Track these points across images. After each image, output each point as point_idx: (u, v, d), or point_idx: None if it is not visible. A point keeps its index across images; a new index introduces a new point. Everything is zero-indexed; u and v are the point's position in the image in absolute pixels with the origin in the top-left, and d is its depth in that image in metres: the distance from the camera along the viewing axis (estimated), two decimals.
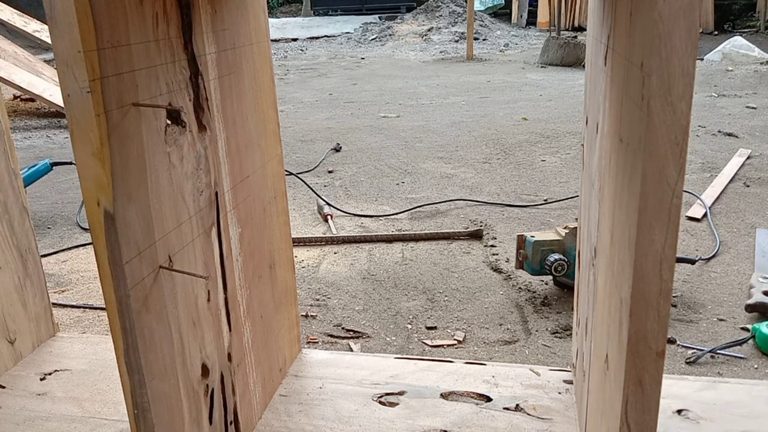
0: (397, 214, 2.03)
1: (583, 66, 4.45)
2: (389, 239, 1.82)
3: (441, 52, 6.60)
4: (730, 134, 2.84)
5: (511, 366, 1.07)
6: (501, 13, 9.52)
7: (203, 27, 0.74)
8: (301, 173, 2.45)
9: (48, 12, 0.53)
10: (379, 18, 9.48)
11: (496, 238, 1.80)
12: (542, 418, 0.93)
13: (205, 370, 0.76)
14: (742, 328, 1.27)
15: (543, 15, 8.04)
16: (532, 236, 1.41)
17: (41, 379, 1.08)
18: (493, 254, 1.70)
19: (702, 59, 4.85)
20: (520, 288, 1.49)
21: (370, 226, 1.94)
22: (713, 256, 1.62)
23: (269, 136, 0.96)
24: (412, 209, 2.05)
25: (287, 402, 0.99)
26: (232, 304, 0.84)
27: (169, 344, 0.68)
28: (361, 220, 2.00)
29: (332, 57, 6.65)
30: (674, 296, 1.40)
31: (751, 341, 1.20)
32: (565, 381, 1.02)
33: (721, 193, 2.09)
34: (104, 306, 0.92)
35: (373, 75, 5.25)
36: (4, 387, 1.06)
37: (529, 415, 0.94)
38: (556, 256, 1.38)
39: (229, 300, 0.83)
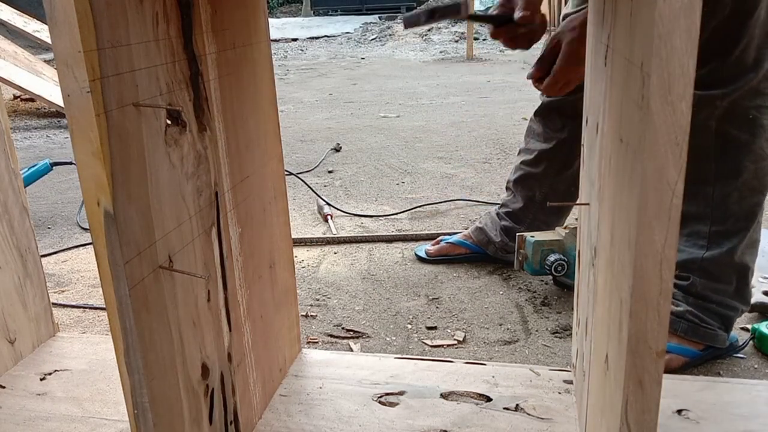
0: (397, 214, 2.03)
1: None
2: (389, 239, 1.82)
3: (441, 52, 6.60)
4: None
5: (511, 366, 1.07)
6: None
7: (203, 27, 0.74)
8: (301, 173, 2.45)
9: (48, 12, 0.53)
10: (379, 18, 9.48)
11: None
12: (542, 418, 0.93)
13: (205, 370, 0.76)
14: (742, 328, 1.27)
15: None
16: (532, 236, 1.41)
17: (41, 379, 1.08)
18: None
19: None
20: (520, 288, 1.49)
21: (370, 226, 1.95)
22: None
23: (269, 136, 0.96)
24: (412, 209, 2.06)
25: (287, 402, 0.99)
26: (232, 304, 0.84)
27: (169, 344, 0.68)
28: (361, 220, 2.00)
29: (332, 57, 6.65)
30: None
31: (751, 341, 1.20)
32: (565, 381, 1.02)
33: None
34: (104, 306, 0.92)
35: (373, 75, 5.26)
36: (4, 387, 1.07)
37: (529, 415, 0.94)
38: (556, 256, 1.37)
39: (229, 300, 0.83)
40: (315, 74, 5.45)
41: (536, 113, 1.52)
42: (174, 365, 0.69)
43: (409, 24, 1.04)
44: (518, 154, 1.58)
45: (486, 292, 1.48)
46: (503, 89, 4.29)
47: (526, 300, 1.44)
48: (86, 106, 0.54)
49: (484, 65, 5.61)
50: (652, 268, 0.47)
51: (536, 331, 1.31)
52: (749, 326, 1.26)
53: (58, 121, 3.67)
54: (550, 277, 1.47)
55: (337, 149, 2.85)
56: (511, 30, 1.08)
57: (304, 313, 1.41)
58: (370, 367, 1.07)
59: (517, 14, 1.05)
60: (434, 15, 1.01)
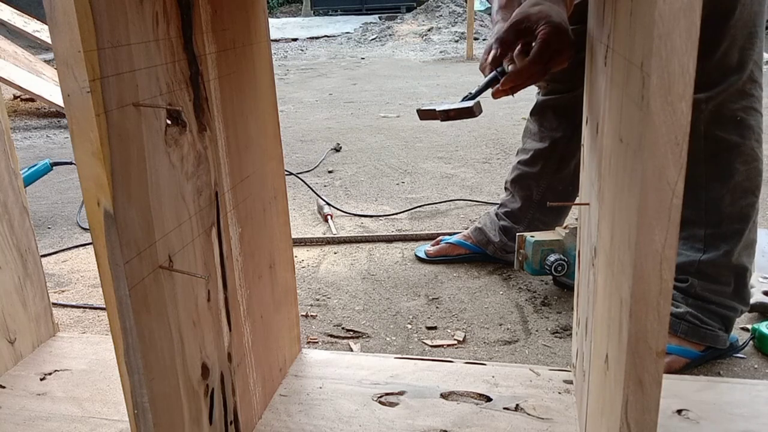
0: (397, 214, 2.03)
1: None
2: (389, 239, 1.82)
3: (441, 52, 6.60)
4: None
5: (511, 366, 1.07)
6: None
7: (203, 27, 0.74)
8: (301, 173, 2.45)
9: (48, 12, 0.53)
10: (379, 18, 9.47)
11: None
12: (542, 418, 0.93)
13: (205, 370, 0.76)
14: (742, 328, 1.27)
15: None
16: (532, 236, 1.41)
17: (41, 379, 1.08)
18: None
19: None
20: (520, 288, 1.49)
21: (370, 226, 1.95)
22: None
23: (269, 136, 0.96)
24: (412, 209, 2.06)
25: (287, 402, 0.99)
26: (232, 304, 0.84)
27: (169, 344, 0.68)
28: (361, 220, 2.00)
29: (332, 57, 6.65)
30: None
31: (751, 341, 1.20)
32: (565, 381, 1.02)
33: None
34: (104, 306, 0.92)
35: (373, 75, 5.26)
36: (4, 387, 1.07)
37: (529, 415, 0.94)
38: (556, 256, 1.37)
39: (229, 300, 0.83)
40: (315, 74, 5.44)
41: (532, 113, 1.52)
42: (174, 365, 0.69)
43: (424, 118, 1.08)
44: (516, 154, 1.59)
45: (486, 292, 1.48)
46: None
47: (526, 300, 1.44)
48: (86, 106, 0.54)
49: None
50: (652, 268, 0.47)
51: (536, 331, 1.31)
52: (749, 326, 1.26)
53: (58, 121, 3.67)
54: (550, 277, 1.47)
55: (337, 149, 2.85)
56: None
57: (304, 313, 1.41)
58: (370, 367, 1.08)
59: (509, 67, 0.98)
60: (449, 116, 1.07)
